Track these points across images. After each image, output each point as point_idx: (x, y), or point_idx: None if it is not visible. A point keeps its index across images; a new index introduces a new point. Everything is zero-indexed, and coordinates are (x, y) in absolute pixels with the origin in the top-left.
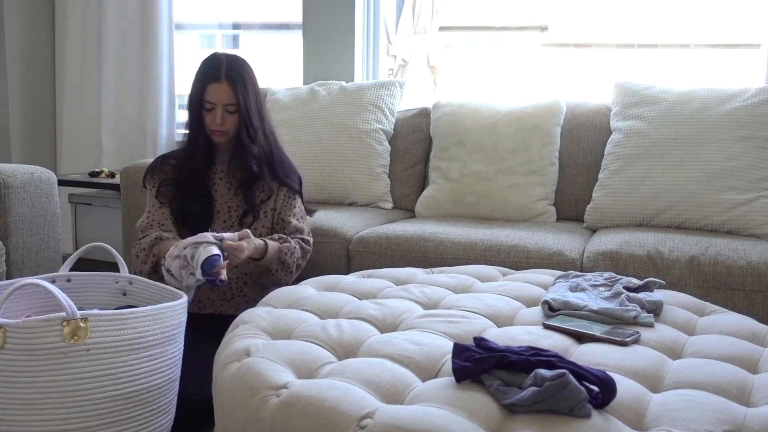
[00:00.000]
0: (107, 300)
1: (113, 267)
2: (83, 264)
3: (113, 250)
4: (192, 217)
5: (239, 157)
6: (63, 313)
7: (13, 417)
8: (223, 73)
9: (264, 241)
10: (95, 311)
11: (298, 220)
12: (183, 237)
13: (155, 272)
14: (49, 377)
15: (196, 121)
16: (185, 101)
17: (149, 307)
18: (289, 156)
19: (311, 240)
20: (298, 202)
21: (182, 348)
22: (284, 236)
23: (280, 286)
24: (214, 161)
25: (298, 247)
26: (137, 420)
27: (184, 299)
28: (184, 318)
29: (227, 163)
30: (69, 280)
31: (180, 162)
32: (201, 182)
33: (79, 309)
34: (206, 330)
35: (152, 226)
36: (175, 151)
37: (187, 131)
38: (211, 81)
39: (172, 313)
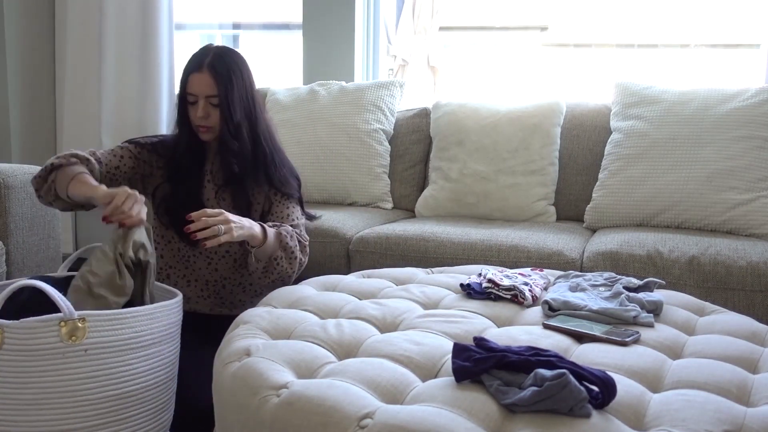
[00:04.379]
0: None
1: None
2: (83, 264)
3: None
4: (176, 213)
5: (222, 156)
6: (60, 314)
7: (11, 417)
8: (206, 63)
9: (261, 225)
10: (93, 311)
11: (292, 221)
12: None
13: (55, 200)
14: (48, 377)
15: (182, 117)
16: None
17: (146, 306)
18: (290, 158)
19: (307, 239)
20: (296, 209)
21: (179, 346)
22: (275, 222)
23: (283, 284)
24: (203, 161)
25: (293, 233)
26: (136, 419)
27: (179, 297)
28: (180, 316)
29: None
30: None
31: (171, 153)
32: (191, 181)
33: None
34: (204, 331)
35: (95, 154)
36: (166, 139)
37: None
38: (192, 71)
39: (169, 311)
